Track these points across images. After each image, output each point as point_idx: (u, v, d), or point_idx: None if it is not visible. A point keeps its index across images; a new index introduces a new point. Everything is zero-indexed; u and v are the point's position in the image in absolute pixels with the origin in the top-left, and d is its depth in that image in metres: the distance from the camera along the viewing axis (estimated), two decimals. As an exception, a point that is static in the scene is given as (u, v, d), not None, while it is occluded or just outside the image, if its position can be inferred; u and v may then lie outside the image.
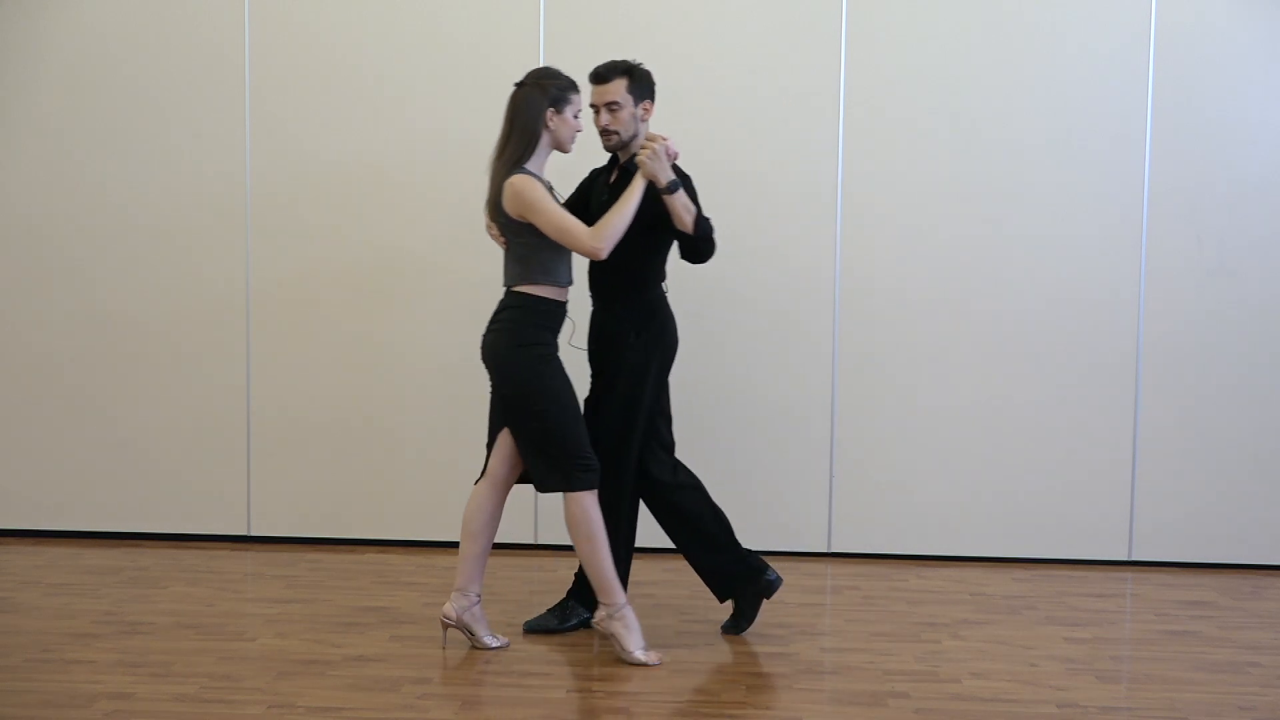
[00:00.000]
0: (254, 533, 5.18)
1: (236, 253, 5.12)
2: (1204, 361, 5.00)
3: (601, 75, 3.90)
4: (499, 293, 3.92)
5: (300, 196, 5.10)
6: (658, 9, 5.01)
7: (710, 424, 5.09)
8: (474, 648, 3.91)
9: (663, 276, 4.04)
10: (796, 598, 4.54)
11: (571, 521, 3.80)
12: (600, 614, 3.84)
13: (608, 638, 3.85)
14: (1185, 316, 4.99)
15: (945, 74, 4.97)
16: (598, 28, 5.00)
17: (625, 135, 3.89)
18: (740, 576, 4.08)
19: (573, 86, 3.83)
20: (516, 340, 3.78)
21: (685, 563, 4.97)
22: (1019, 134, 4.97)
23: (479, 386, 4.13)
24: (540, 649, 3.91)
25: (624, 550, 4.02)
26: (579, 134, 3.86)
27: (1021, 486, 5.06)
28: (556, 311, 3.83)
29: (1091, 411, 5.03)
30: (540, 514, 5.13)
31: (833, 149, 5.01)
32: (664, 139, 3.75)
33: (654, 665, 3.77)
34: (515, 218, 3.76)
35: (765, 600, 4.12)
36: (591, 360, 4.05)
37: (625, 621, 3.81)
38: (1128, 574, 4.99)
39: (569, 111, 3.81)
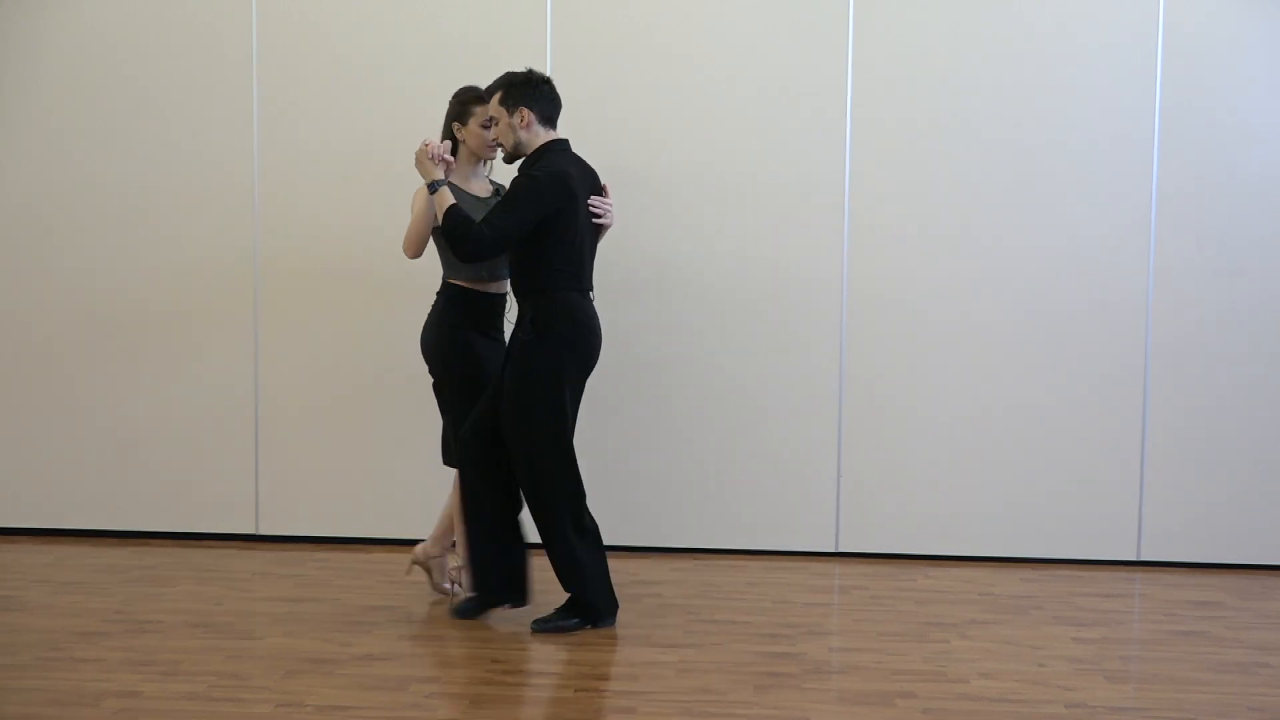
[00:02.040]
0: (262, 531, 5.19)
1: (244, 250, 5.13)
2: (1212, 361, 4.98)
3: (488, 92, 4.11)
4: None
5: (307, 190, 5.11)
6: (660, 9, 5.01)
7: (718, 424, 5.08)
8: (433, 590, 4.46)
9: (567, 282, 4.01)
10: (804, 597, 4.54)
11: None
12: (421, 549, 4.42)
13: (423, 567, 4.44)
14: (1194, 317, 4.98)
15: (950, 74, 4.96)
16: (599, 27, 5.00)
17: (508, 145, 4.06)
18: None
19: (476, 99, 4.16)
20: (435, 322, 4.24)
21: (694, 562, 4.98)
22: (1024, 134, 4.96)
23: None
24: (548, 649, 3.91)
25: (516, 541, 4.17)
26: (496, 141, 4.12)
27: (1029, 486, 5.05)
28: (475, 300, 4.21)
29: (1099, 411, 5.02)
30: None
31: (840, 149, 5.00)
32: (431, 142, 4.02)
33: (456, 592, 4.36)
34: None
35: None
36: (505, 358, 4.15)
37: (442, 566, 4.43)
38: (1136, 574, 4.98)
39: (473, 123, 4.17)
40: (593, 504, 5.09)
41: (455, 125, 4.20)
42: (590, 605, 4.09)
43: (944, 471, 5.06)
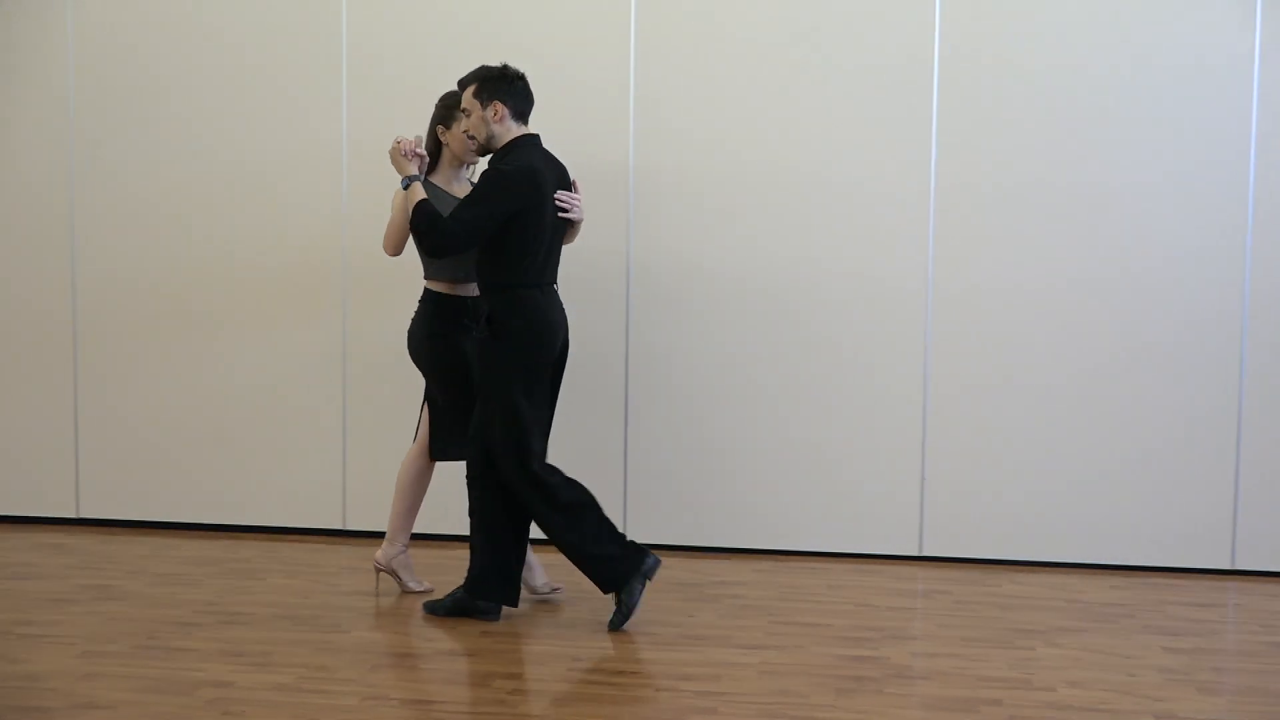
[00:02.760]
0: (350, 527, 5.28)
1: (332, 245, 5.22)
2: (1313, 365, 4.85)
3: (460, 84, 4.14)
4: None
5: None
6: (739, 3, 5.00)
7: (801, 425, 5.06)
8: (402, 592, 4.46)
9: (527, 278, 4.05)
10: (887, 601, 4.50)
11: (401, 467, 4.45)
12: (384, 554, 4.45)
13: (389, 573, 4.46)
14: (1293, 319, 4.85)
15: (1044, 70, 4.88)
16: (685, 18, 5.01)
17: (480, 138, 4.10)
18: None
19: (459, 103, 4.16)
20: (419, 328, 4.32)
21: (775, 564, 4.97)
22: (1118, 135, 4.87)
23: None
24: (630, 647, 3.93)
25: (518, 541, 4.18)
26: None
27: (1120, 491, 4.95)
28: (454, 304, 4.29)
29: (1193, 415, 4.90)
30: (629, 513, 5.16)
31: (925, 149, 4.95)
32: (403, 139, 4.09)
33: (428, 589, 4.43)
34: None
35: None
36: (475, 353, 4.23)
37: (406, 563, 4.48)
38: (1230, 583, 4.85)
39: (458, 127, 4.23)
40: (677, 504, 5.13)
41: (439, 128, 4.29)
42: (607, 571, 4.09)
43: (1031, 475, 4.99)
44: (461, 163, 4.35)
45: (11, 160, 5.34)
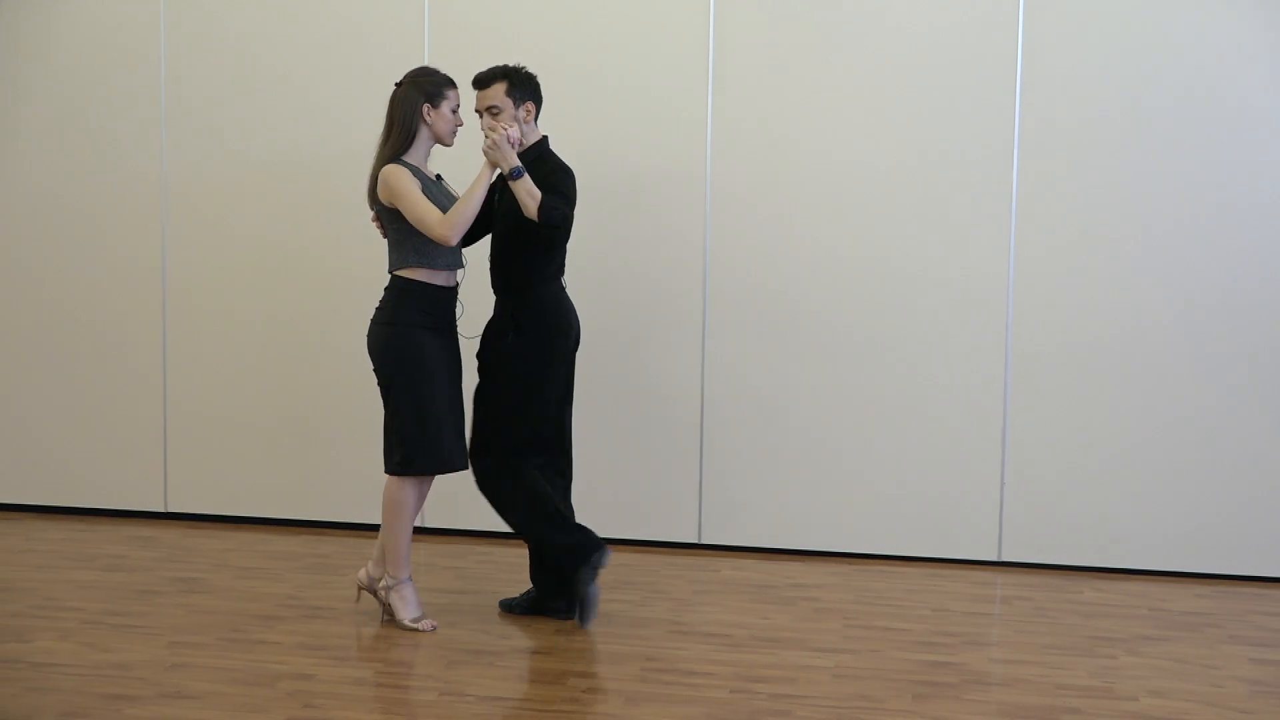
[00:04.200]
0: (428, 524, 5.34)
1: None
2: None
3: (483, 80, 4.09)
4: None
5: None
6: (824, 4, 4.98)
7: (879, 429, 5.02)
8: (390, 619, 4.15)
9: (549, 275, 4.12)
10: (965, 606, 4.45)
11: (385, 501, 4.07)
12: (385, 581, 4.12)
13: (385, 604, 4.13)
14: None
15: (1122, 73, 4.80)
16: (770, 19, 5.00)
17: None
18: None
19: (448, 83, 4.06)
20: (384, 319, 4.03)
21: (851, 567, 4.94)
22: (1198, 133, 4.76)
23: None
24: (703, 648, 3.93)
25: (568, 513, 4.15)
26: (460, 128, 4.10)
27: (1205, 498, 4.85)
28: (432, 294, 4.03)
29: (1278, 419, 4.79)
30: (705, 514, 5.16)
31: (1008, 150, 4.88)
32: (505, 128, 3.93)
33: (427, 631, 4.04)
34: (387, 205, 4.00)
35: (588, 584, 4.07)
36: (478, 354, 4.20)
37: (403, 595, 4.10)
38: (1322, 594, 4.73)
39: (445, 107, 4.05)
40: (752, 506, 5.12)
41: (426, 107, 4.02)
42: (576, 555, 4.07)
43: (1113, 480, 4.90)
44: (434, 143, 4.10)
45: (110, 160, 5.48)
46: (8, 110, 5.53)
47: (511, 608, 4.28)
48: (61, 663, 3.70)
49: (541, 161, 4.09)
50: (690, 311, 5.11)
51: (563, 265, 4.20)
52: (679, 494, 5.17)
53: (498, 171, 3.99)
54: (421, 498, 4.11)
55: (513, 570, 4.78)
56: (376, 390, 4.09)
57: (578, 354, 4.28)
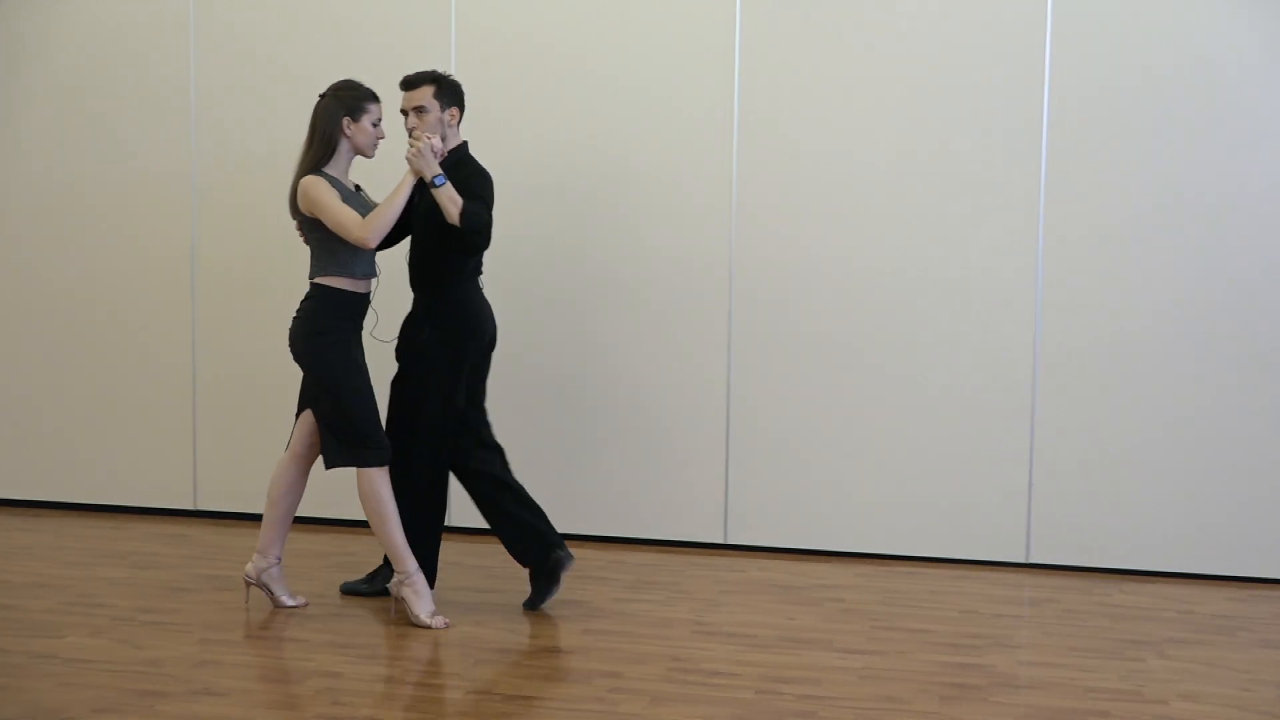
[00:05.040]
0: (454, 524, 5.36)
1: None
2: None
3: (411, 82, 4.22)
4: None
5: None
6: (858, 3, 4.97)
7: (907, 429, 5.01)
8: (274, 606, 4.26)
9: (466, 274, 4.23)
10: (992, 608, 4.44)
11: (362, 496, 4.13)
12: (394, 580, 4.17)
13: (399, 601, 4.18)
14: None
15: (1150, 71, 4.76)
16: (788, 23, 4.99)
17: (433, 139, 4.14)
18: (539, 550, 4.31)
19: (369, 97, 4.14)
20: (310, 328, 4.11)
21: (877, 568, 4.93)
22: (1224, 132, 4.73)
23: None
24: (729, 649, 3.93)
25: (432, 530, 4.30)
26: (382, 140, 4.18)
27: (1235, 500, 4.81)
28: (351, 301, 4.13)
29: (1317, 424, 4.74)
30: (731, 515, 5.16)
31: (1035, 148, 4.86)
32: (430, 138, 4.05)
33: (440, 628, 4.09)
34: (307, 214, 4.09)
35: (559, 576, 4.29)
36: (396, 350, 4.33)
37: (415, 588, 4.13)
38: (1355, 598, 4.69)
39: (366, 120, 4.13)
40: (778, 506, 5.11)
41: (346, 120, 4.09)
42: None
43: (1142, 482, 4.87)
44: (354, 155, 4.17)
45: (139, 160, 5.53)
46: (35, 110, 5.59)
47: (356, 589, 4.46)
48: (94, 659, 3.74)
49: (462, 166, 4.22)
50: (716, 312, 5.11)
51: (480, 266, 4.31)
52: (705, 494, 5.17)
53: (418, 179, 4.09)
54: (288, 481, 4.26)
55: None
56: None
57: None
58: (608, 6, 5.13)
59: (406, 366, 4.30)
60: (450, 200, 4.05)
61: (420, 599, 4.13)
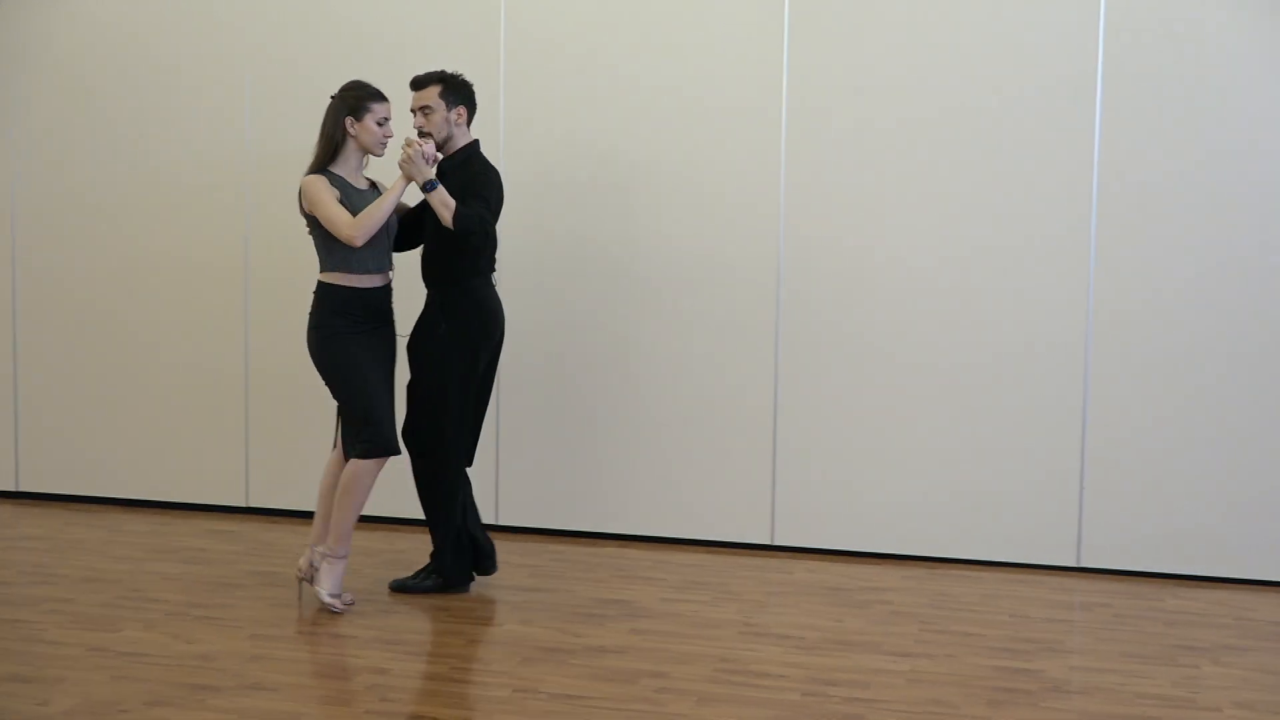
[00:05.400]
0: (502, 522, 5.38)
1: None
2: None
3: (419, 82, 4.30)
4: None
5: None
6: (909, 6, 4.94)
7: (956, 430, 4.97)
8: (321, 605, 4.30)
9: (479, 270, 4.31)
10: (1043, 612, 4.39)
11: (344, 478, 4.24)
12: (320, 549, 4.27)
13: (313, 571, 4.29)
14: None
15: (1206, 76, 4.70)
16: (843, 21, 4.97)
17: (439, 137, 4.27)
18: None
19: (373, 96, 4.21)
20: (311, 323, 4.26)
21: (927, 570, 4.89)
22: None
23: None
24: (777, 650, 3.92)
25: (472, 524, 4.48)
26: (389, 140, 4.26)
27: (1294, 506, 4.73)
28: (350, 297, 4.21)
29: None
30: (778, 516, 5.14)
31: (1089, 147, 4.80)
32: (421, 143, 4.14)
33: (338, 611, 4.19)
34: (308, 213, 4.20)
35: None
36: (408, 346, 4.41)
37: (333, 569, 4.24)
38: None
39: (369, 120, 4.20)
40: (826, 508, 5.09)
41: (349, 120, 4.20)
42: (450, 568, 4.44)
43: (1196, 486, 4.79)
44: (364, 155, 4.28)
45: (192, 145, 5.59)
46: (93, 105, 5.68)
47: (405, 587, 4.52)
48: (147, 652, 3.79)
49: (469, 164, 4.29)
50: (763, 312, 5.09)
51: (492, 262, 4.39)
52: (752, 495, 5.16)
53: (413, 183, 4.19)
54: (374, 479, 4.28)
55: (587, 568, 4.80)
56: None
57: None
58: (655, 3, 5.13)
59: (422, 362, 4.37)
60: (443, 204, 4.14)
61: (330, 579, 4.23)
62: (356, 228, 4.10)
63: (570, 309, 5.26)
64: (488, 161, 4.36)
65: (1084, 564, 4.91)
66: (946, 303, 4.95)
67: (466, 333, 4.31)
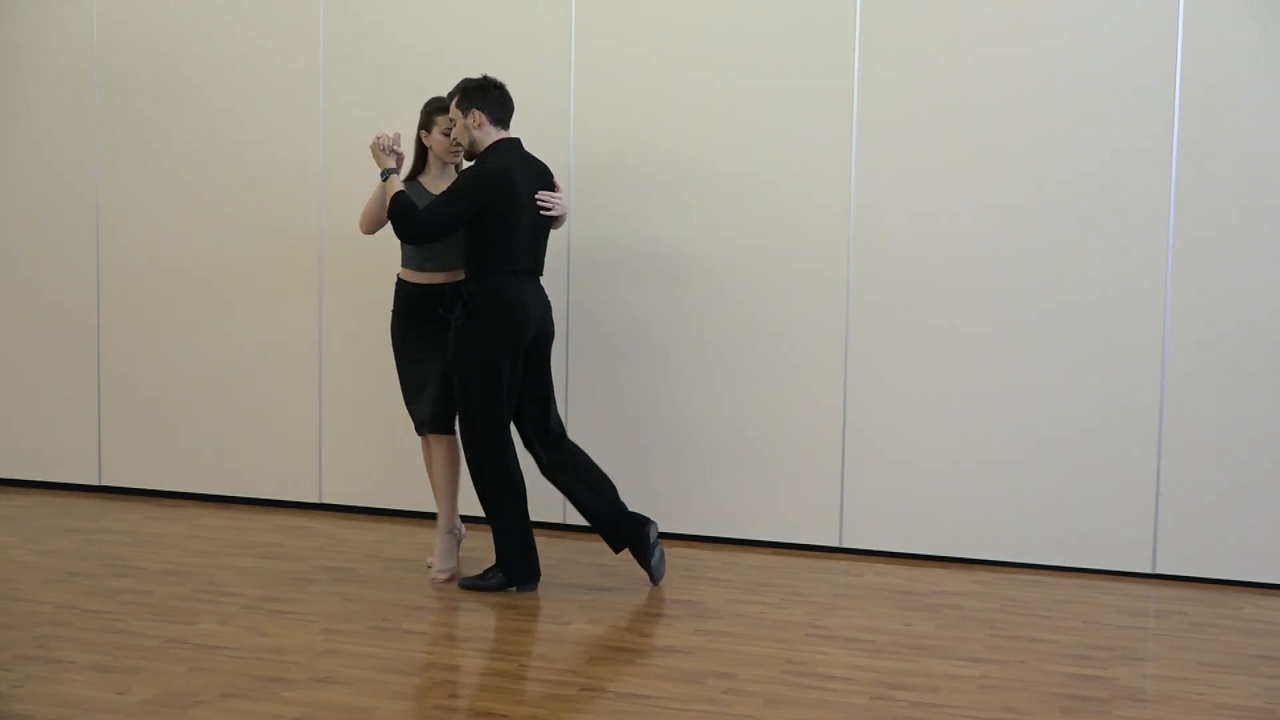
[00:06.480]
0: (570, 521, 5.41)
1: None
2: None
3: (448, 98, 4.53)
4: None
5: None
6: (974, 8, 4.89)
7: (1029, 433, 4.90)
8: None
9: (500, 266, 4.39)
10: (1116, 619, 4.32)
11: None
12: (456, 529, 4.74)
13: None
14: None
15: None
16: (913, 27, 4.93)
17: (465, 144, 4.49)
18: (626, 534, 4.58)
19: (437, 109, 4.59)
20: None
21: (997, 575, 4.83)
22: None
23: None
24: (845, 654, 3.90)
25: (519, 520, 4.53)
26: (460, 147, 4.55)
27: (1380, 514, 4.61)
28: (408, 289, 4.68)
29: None
30: (846, 518, 5.11)
31: (1167, 148, 4.72)
32: (385, 135, 4.48)
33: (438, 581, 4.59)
34: None
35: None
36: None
37: (437, 543, 4.68)
38: None
39: (436, 131, 4.60)
40: (895, 511, 5.05)
41: (421, 133, 4.64)
42: (511, 565, 4.49)
43: (1276, 492, 4.68)
44: (443, 163, 4.64)
45: (267, 139, 5.70)
46: (168, 95, 5.80)
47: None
48: (223, 645, 3.87)
49: (474, 166, 4.46)
50: (833, 314, 5.07)
51: (514, 257, 4.41)
52: (820, 496, 5.13)
53: (384, 171, 4.49)
54: (429, 459, 4.75)
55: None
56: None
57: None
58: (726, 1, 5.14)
59: (450, 356, 4.48)
60: (388, 192, 4.42)
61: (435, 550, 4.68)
62: (361, 221, 4.70)
63: (639, 308, 5.28)
64: (491, 165, 4.39)
65: (1159, 570, 4.83)
66: (1019, 304, 4.89)
67: (483, 328, 4.39)
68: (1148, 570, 4.84)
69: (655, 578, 4.58)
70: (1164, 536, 4.81)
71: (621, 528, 4.56)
